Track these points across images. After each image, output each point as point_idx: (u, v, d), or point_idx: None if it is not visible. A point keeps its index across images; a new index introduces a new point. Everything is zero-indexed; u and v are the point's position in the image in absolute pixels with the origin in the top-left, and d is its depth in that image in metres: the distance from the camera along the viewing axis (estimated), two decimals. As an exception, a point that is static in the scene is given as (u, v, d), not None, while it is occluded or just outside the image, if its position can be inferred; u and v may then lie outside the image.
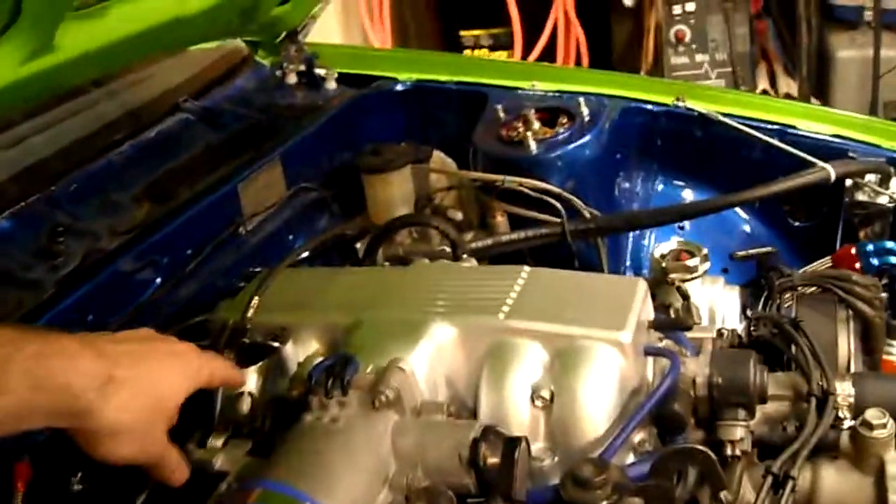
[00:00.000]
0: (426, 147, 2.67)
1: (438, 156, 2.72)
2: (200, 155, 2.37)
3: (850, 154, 2.62)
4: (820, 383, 1.68)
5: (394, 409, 1.40)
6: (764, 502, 1.46)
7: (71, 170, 2.12)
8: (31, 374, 1.14)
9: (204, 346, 1.59)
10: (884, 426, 1.55)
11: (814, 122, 2.72)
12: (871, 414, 1.57)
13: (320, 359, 1.51)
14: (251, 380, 1.66)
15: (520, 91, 2.81)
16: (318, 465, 1.31)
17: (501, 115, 2.64)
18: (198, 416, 1.62)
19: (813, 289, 2.16)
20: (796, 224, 2.92)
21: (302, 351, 1.65)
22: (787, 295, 2.11)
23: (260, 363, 1.66)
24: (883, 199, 2.57)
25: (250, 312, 1.67)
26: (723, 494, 1.46)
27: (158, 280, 2.08)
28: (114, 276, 1.98)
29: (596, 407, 1.47)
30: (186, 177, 2.29)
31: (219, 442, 1.53)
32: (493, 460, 1.33)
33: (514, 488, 1.32)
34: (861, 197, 2.59)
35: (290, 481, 1.26)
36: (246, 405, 1.61)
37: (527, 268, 1.69)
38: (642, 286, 1.62)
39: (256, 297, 1.69)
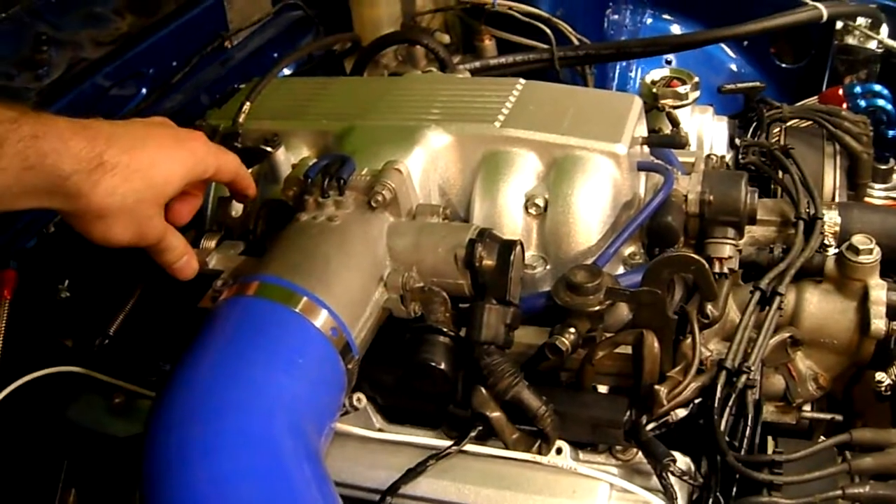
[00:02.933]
0: (414, -32, 2.62)
1: (424, -26, 2.68)
2: (185, -33, 2.29)
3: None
4: (808, 209, 1.69)
5: (389, 210, 1.40)
6: (751, 317, 1.48)
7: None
8: (24, 155, 1.12)
9: None
10: (870, 251, 1.57)
11: (806, -38, 2.69)
12: (858, 239, 1.58)
13: (315, 160, 1.48)
14: (243, 185, 1.65)
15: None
16: (315, 261, 1.30)
17: (492, -63, 2.59)
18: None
19: (801, 122, 2.16)
20: (783, 65, 2.92)
21: (294, 157, 1.63)
22: (776, 129, 2.11)
23: (252, 168, 1.64)
24: (872, 45, 2.57)
25: (241, 118, 1.65)
26: (709, 309, 1.48)
27: (143, 91, 2.08)
28: (98, 86, 1.97)
29: (589, 216, 1.48)
30: (171, -12, 2.23)
31: (212, 243, 1.52)
32: (489, 262, 1.33)
33: (508, 290, 1.33)
34: (850, 41, 2.59)
35: (287, 276, 1.26)
36: (239, 208, 1.60)
37: (522, 80, 1.67)
38: (638, 102, 1.61)
39: (248, 103, 1.66)
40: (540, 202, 1.48)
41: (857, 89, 2.49)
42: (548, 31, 2.50)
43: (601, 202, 1.48)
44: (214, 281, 1.42)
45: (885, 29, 2.58)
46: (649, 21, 3.04)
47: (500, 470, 1.34)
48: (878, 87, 2.50)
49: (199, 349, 1.18)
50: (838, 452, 1.36)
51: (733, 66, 2.99)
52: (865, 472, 1.33)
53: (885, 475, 1.33)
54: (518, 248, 1.35)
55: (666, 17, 3.03)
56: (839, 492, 1.28)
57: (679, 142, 1.64)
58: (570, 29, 2.54)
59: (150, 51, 2.08)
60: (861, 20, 2.59)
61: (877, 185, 2.36)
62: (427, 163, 1.52)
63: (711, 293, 1.40)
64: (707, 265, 1.36)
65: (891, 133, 2.51)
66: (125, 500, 1.50)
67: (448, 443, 1.35)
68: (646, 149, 1.64)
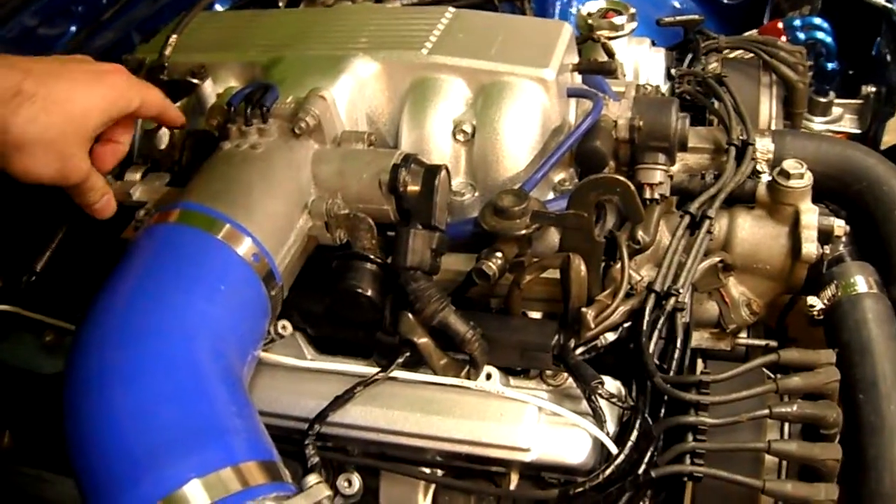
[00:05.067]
0: None
1: None
2: None
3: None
4: (740, 136, 1.69)
5: (314, 138, 1.39)
6: (680, 240, 1.49)
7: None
8: None
9: None
10: (801, 176, 1.57)
11: None
12: (789, 164, 1.58)
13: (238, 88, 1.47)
14: (170, 119, 1.64)
15: None
16: (237, 188, 1.29)
17: None
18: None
19: (743, 54, 2.16)
20: (725, 1, 2.92)
21: (221, 88, 1.61)
22: (713, 62, 2.10)
23: (178, 101, 1.62)
24: (814, -23, 2.58)
25: (168, 51, 1.62)
26: (640, 234, 1.48)
27: (73, 29, 2.03)
28: (25, 25, 1.92)
29: (517, 142, 1.47)
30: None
31: (136, 175, 1.50)
32: (413, 188, 1.32)
33: (433, 215, 1.32)
34: (792, -26, 2.59)
35: (209, 203, 1.24)
36: (164, 140, 1.58)
37: (452, 8, 1.65)
38: (568, 29, 1.59)
39: (174, 36, 1.63)
40: (468, 128, 1.47)
41: (797, 22, 2.49)
42: (485, -34, 2.48)
43: (529, 128, 1.47)
44: (137, 211, 1.40)
45: (825, -39, 2.59)
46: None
47: (428, 395, 1.35)
48: (817, 20, 2.51)
49: (118, 277, 1.17)
50: (770, 374, 1.38)
51: (676, 3, 2.97)
52: (793, 392, 1.34)
53: (814, 395, 1.35)
54: (443, 172, 1.34)
55: (610, -50, 3.01)
56: (766, 411, 1.29)
57: (609, 68, 1.62)
58: (507, -37, 2.52)
59: (80, -13, 2.03)
60: (802, -47, 2.59)
61: (816, 118, 2.38)
62: (354, 91, 1.50)
63: (638, 215, 1.40)
64: (632, 187, 1.36)
65: (830, 66, 2.52)
66: (60, 438, 1.49)
67: (376, 370, 1.36)
68: (578, 77, 1.63)
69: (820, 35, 2.48)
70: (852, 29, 2.54)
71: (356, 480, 1.38)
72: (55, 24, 2.00)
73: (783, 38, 2.42)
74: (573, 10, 2.84)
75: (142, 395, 1.05)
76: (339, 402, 1.33)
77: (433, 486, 1.40)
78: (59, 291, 1.57)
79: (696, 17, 2.33)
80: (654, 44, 2.23)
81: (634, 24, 2.09)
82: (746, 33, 2.48)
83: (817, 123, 2.41)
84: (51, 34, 1.99)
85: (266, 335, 1.31)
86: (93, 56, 1.50)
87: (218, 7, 2.29)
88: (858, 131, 2.40)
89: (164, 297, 1.14)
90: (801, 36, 2.46)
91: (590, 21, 2.06)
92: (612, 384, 1.36)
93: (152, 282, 1.16)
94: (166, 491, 0.97)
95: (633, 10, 2.10)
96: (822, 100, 2.38)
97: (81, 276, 1.52)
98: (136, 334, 1.10)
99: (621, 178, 1.36)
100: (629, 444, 1.27)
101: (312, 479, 1.09)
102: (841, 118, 2.43)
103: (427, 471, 1.38)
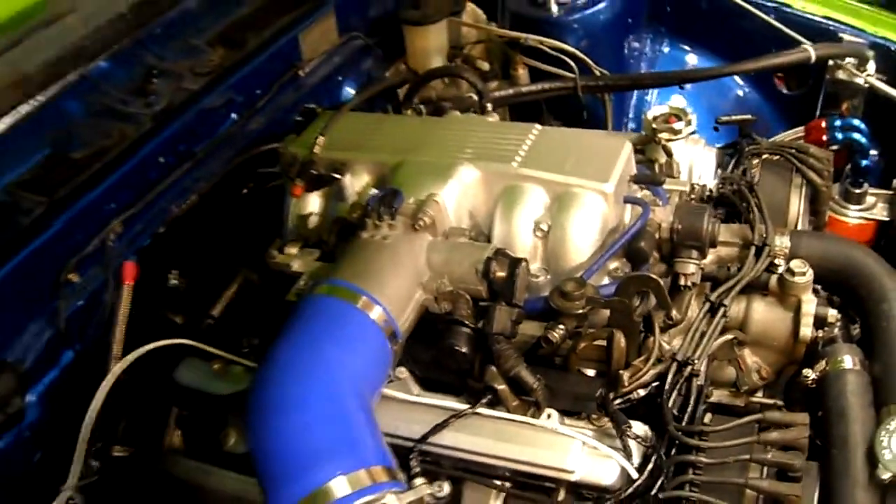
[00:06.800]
0: (462, -1, 3.01)
1: (471, 6, 3.09)
2: (265, 5, 2.63)
3: (839, 35, 2.97)
4: (763, 235, 2.10)
5: (429, 232, 1.83)
6: (701, 322, 1.92)
7: (154, 16, 2.32)
8: None
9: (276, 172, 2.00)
10: (803, 273, 1.99)
11: (808, 2, 3.07)
12: (795, 263, 2.00)
13: (374, 191, 1.91)
14: (316, 202, 2.12)
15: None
16: (372, 269, 1.73)
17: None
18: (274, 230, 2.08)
19: (776, 156, 2.53)
20: (785, 92, 3.27)
21: (357, 182, 2.07)
22: (756, 161, 2.47)
23: (323, 189, 2.10)
24: (859, 80, 2.92)
25: (317, 149, 2.09)
26: (674, 313, 1.91)
27: (233, 116, 2.43)
28: (199, 112, 2.32)
29: (581, 239, 1.89)
30: (253, 25, 2.58)
31: (294, 250, 1.99)
32: (501, 274, 1.75)
33: (515, 296, 1.75)
34: (841, 76, 2.95)
35: (351, 280, 1.69)
36: (313, 222, 2.07)
37: (538, 126, 2.08)
38: (628, 146, 2.01)
39: (321, 137, 2.10)
40: (544, 227, 1.89)
41: (837, 122, 2.82)
42: (572, 63, 2.90)
43: (591, 229, 1.89)
44: (297, 281, 1.87)
45: (871, 65, 2.92)
46: (667, 49, 3.39)
47: (502, 428, 1.75)
48: (855, 122, 2.82)
49: (287, 334, 1.62)
50: (760, 429, 1.78)
51: (740, 93, 3.31)
52: (772, 444, 1.74)
53: (789, 447, 1.75)
54: (524, 264, 1.77)
55: (683, 46, 3.38)
56: (747, 456, 1.71)
57: (658, 180, 2.05)
58: (592, 62, 2.94)
59: (239, 82, 2.44)
60: (849, 59, 2.94)
61: (852, 206, 2.76)
62: (459, 193, 1.93)
63: (666, 304, 1.84)
64: (661, 283, 1.80)
65: (864, 162, 2.86)
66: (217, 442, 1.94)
67: (466, 406, 1.78)
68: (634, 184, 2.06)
69: (856, 136, 2.80)
70: (889, 127, 2.90)
71: (446, 486, 1.77)
72: (221, 113, 2.41)
73: (824, 137, 2.78)
74: (649, 98, 3.25)
75: (304, 418, 1.49)
76: (437, 428, 1.75)
77: (503, 495, 1.79)
78: (229, 331, 2.04)
79: (749, 117, 2.68)
80: (716, 129, 2.60)
81: (692, 128, 2.46)
82: (793, 131, 2.85)
83: (852, 211, 2.79)
84: (217, 120, 2.40)
85: (388, 377, 1.75)
86: (249, 138, 1.90)
87: (348, 89, 2.74)
88: (888, 219, 2.78)
89: (319, 350, 1.59)
90: (839, 136, 2.79)
91: (654, 125, 2.44)
92: (640, 428, 1.77)
93: (310, 338, 1.61)
94: (321, 482, 1.41)
95: (690, 116, 2.47)
96: (857, 191, 2.75)
97: (249, 322, 1.99)
98: (298, 375, 1.54)
99: (654, 276, 1.79)
100: (646, 473, 1.69)
101: (419, 481, 1.54)
102: (874, 206, 2.80)
103: (499, 483, 1.78)
